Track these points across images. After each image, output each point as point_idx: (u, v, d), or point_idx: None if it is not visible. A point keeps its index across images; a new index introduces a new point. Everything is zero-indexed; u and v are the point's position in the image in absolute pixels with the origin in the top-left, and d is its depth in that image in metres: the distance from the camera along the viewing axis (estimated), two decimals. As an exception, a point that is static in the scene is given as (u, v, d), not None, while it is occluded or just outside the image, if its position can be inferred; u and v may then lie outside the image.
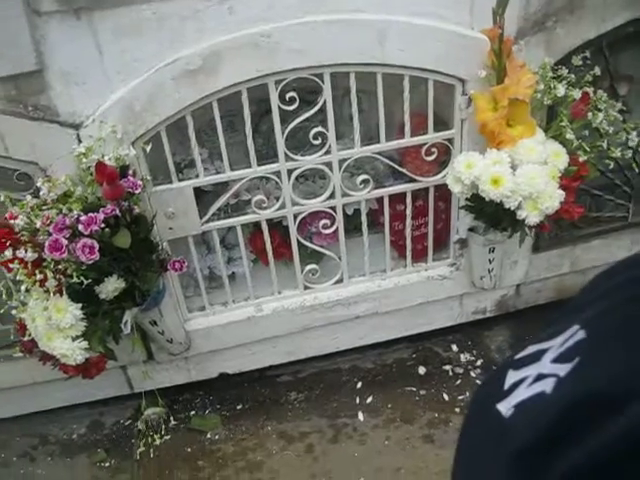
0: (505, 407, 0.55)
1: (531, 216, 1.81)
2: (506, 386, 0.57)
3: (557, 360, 0.54)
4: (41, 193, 1.73)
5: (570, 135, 1.83)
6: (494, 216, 1.94)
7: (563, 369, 0.52)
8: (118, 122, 1.77)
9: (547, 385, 0.52)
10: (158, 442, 2.25)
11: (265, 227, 2.06)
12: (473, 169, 1.82)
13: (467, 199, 1.94)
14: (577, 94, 1.84)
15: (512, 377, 0.58)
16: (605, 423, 0.44)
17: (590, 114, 1.85)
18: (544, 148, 1.83)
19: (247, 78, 1.78)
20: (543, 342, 0.58)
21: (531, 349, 0.59)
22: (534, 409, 0.53)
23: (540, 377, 0.54)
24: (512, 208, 1.81)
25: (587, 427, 0.45)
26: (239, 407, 2.37)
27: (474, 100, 1.88)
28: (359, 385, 2.38)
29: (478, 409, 0.63)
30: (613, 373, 0.47)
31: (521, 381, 0.56)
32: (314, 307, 2.22)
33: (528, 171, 1.78)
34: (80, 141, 1.79)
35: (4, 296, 1.73)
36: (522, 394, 0.55)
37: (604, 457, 0.43)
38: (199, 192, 1.98)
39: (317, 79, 1.84)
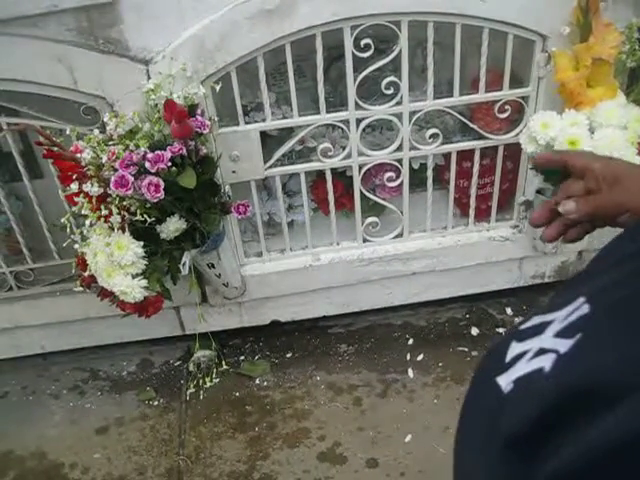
0: (505, 381, 0.53)
1: (606, 181, 1.74)
2: (508, 358, 0.55)
3: (559, 335, 0.51)
4: (108, 128, 1.72)
5: (653, 99, 1.76)
6: (565, 179, 1.87)
7: (564, 345, 0.49)
8: (188, 60, 1.75)
9: (546, 361, 0.50)
10: (208, 384, 2.26)
11: (329, 176, 2.02)
12: (549, 129, 1.75)
13: (539, 160, 1.88)
14: (664, 57, 1.76)
15: (515, 349, 0.56)
16: (600, 415, 0.41)
17: (677, 78, 1.77)
18: (625, 112, 1.75)
19: (323, 21, 1.73)
20: (548, 313, 0.56)
21: (536, 320, 0.57)
22: (531, 388, 0.50)
23: (541, 352, 0.52)
24: (586, 172, 1.74)
25: (581, 419, 0.42)
26: (288, 355, 2.37)
27: (554, 58, 1.81)
28: (410, 342, 2.36)
29: (480, 380, 0.61)
30: (612, 359, 0.44)
31: (523, 354, 0.54)
32: (372, 260, 2.19)
33: (607, 135, 1.71)
34: (149, 77, 1.76)
35: (68, 230, 1.73)
36: (522, 369, 0.53)
37: (595, 455, 0.40)
38: (264, 137, 1.95)
39: (394, 27, 1.78)
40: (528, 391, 0.50)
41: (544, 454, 0.44)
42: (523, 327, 0.57)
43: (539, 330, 0.54)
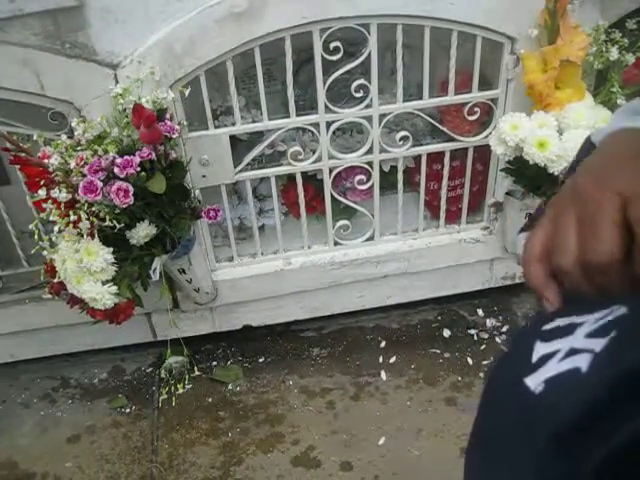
0: (534, 382, 0.52)
1: (575, 182, 1.76)
2: (534, 359, 0.54)
3: (591, 335, 0.51)
4: (76, 133, 1.70)
5: (621, 101, 1.78)
6: (535, 180, 1.89)
7: (598, 344, 0.49)
8: (157, 64, 1.73)
9: (582, 361, 0.49)
10: (180, 391, 2.24)
11: (299, 180, 2.02)
12: (519, 131, 1.77)
13: (508, 162, 1.90)
14: (631, 59, 1.78)
15: (541, 349, 0.55)
16: None
17: (643, 80, 1.79)
18: (593, 113, 1.77)
19: (292, 24, 1.73)
20: (576, 316, 0.55)
21: (562, 321, 0.56)
22: (569, 387, 0.50)
23: (573, 352, 0.51)
24: (556, 173, 1.76)
25: (629, 409, 0.43)
26: (261, 360, 2.36)
27: (523, 60, 1.82)
28: (383, 344, 2.36)
29: (502, 381, 0.60)
30: None
31: (552, 355, 0.53)
32: (343, 264, 2.19)
33: (576, 136, 1.73)
34: (117, 82, 1.75)
35: (35, 237, 1.71)
36: (553, 369, 0.52)
37: None
38: (234, 141, 1.94)
39: (363, 29, 1.79)
40: (567, 389, 0.50)
41: (592, 445, 0.44)
42: (547, 328, 0.56)
43: (568, 331, 0.54)
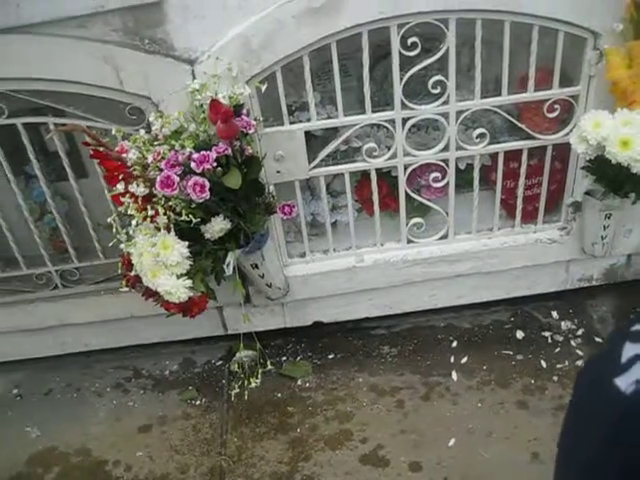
0: (625, 382, 0.51)
1: (660, 183, 1.71)
2: (623, 359, 0.53)
3: None
4: (153, 128, 1.72)
5: None
6: (616, 180, 1.84)
7: None
8: (234, 59, 1.74)
9: None
10: (252, 385, 2.24)
11: (374, 176, 2.00)
12: (601, 129, 1.71)
13: (589, 160, 1.84)
14: None
15: (630, 350, 0.54)
16: None
17: None
18: (680, 112, 1.71)
19: (369, 20, 1.72)
20: None
21: None
22: None
23: None
24: (639, 173, 1.71)
25: None
26: (331, 356, 2.36)
27: (607, 56, 1.77)
28: (454, 344, 2.33)
29: (592, 382, 0.59)
30: None
31: None
32: (416, 262, 2.17)
33: (662, 135, 1.67)
34: (194, 77, 1.77)
35: (113, 230, 1.74)
36: None
37: None
38: (308, 137, 1.94)
39: (442, 25, 1.76)
40: None
41: None
42: (636, 329, 0.56)
43: None
